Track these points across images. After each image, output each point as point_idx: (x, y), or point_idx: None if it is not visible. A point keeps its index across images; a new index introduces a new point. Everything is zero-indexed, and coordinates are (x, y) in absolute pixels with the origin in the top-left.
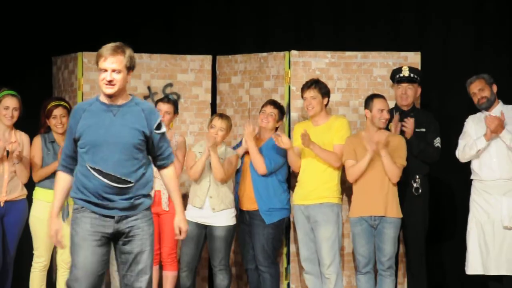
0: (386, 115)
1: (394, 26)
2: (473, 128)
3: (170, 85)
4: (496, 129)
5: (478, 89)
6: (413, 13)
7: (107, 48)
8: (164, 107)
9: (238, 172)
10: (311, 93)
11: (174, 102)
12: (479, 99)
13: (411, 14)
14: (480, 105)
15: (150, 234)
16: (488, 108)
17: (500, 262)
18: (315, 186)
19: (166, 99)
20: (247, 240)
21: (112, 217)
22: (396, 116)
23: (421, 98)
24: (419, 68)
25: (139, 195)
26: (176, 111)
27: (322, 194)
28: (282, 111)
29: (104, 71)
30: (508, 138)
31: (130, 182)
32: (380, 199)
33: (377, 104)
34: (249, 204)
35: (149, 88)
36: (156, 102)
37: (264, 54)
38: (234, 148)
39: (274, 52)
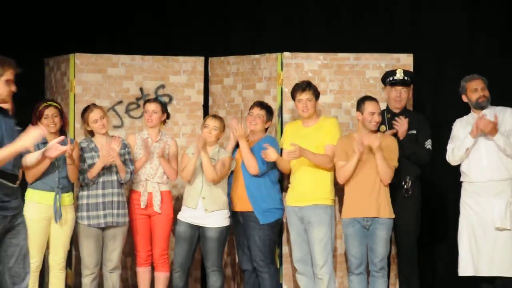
0: (377, 118)
1: (387, 27)
2: (461, 131)
3: (162, 86)
4: (490, 131)
5: (481, 87)
6: (407, 15)
7: None
8: (151, 106)
9: (230, 173)
10: (307, 95)
11: (160, 102)
12: (480, 97)
13: (404, 15)
14: (479, 102)
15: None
16: (484, 107)
17: (492, 263)
18: (309, 187)
19: (152, 99)
20: (243, 242)
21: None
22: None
23: (413, 100)
24: (411, 70)
25: None
26: (164, 111)
27: (316, 196)
28: (270, 111)
29: None
30: (501, 140)
31: None
32: (372, 200)
33: (368, 106)
34: (242, 205)
35: (141, 89)
36: (144, 103)
37: (257, 55)
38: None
39: (267, 54)
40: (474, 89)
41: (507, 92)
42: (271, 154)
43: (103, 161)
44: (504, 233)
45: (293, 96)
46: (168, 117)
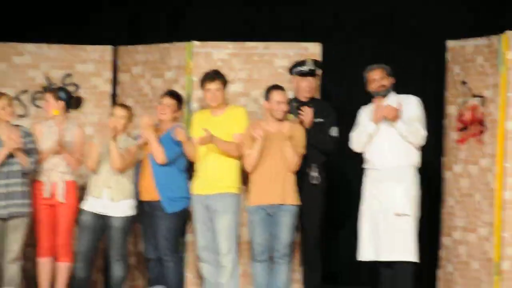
0: (283, 107)
1: (296, 17)
2: (365, 118)
3: (69, 75)
4: (393, 118)
5: (379, 76)
6: (316, 5)
7: None
8: (48, 96)
9: (137, 163)
10: (216, 85)
11: (56, 90)
12: (378, 86)
13: (314, 4)
14: (377, 91)
15: None
16: (383, 96)
17: (391, 248)
18: (216, 176)
19: (49, 88)
20: (149, 230)
21: None
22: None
23: (320, 88)
24: (319, 59)
25: None
26: (64, 99)
27: (223, 184)
28: (180, 101)
29: None
30: (403, 128)
31: None
32: (277, 187)
33: (275, 96)
34: (149, 194)
35: (47, 78)
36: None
37: (166, 44)
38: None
39: (176, 43)
40: (373, 79)
41: (409, 80)
42: (181, 133)
43: (7, 148)
44: (403, 219)
45: (202, 85)
46: (70, 106)
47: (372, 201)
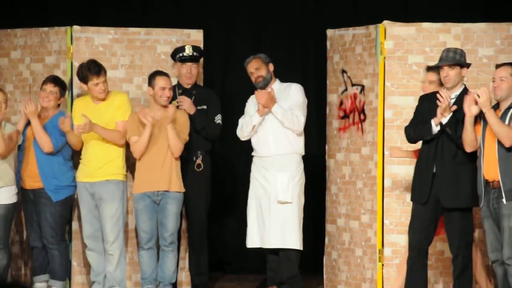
0: (167, 93)
1: (178, 3)
2: (253, 107)
3: None
4: (266, 103)
5: (255, 68)
6: None
7: None
8: None
9: (20, 150)
10: (103, 77)
11: None
12: (256, 78)
13: None
14: (257, 83)
15: None
16: (264, 86)
17: (276, 235)
18: (100, 163)
19: None
20: (32, 219)
21: None
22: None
23: (204, 75)
24: (202, 46)
25: None
26: None
27: (108, 172)
28: (64, 87)
29: None
30: (279, 112)
31: None
32: (163, 174)
33: (159, 81)
34: (33, 182)
35: None
36: None
37: (45, 28)
38: None
39: (56, 27)
40: (250, 72)
41: (293, 69)
42: (66, 123)
43: None
44: (287, 206)
45: (86, 80)
46: None
47: (258, 189)
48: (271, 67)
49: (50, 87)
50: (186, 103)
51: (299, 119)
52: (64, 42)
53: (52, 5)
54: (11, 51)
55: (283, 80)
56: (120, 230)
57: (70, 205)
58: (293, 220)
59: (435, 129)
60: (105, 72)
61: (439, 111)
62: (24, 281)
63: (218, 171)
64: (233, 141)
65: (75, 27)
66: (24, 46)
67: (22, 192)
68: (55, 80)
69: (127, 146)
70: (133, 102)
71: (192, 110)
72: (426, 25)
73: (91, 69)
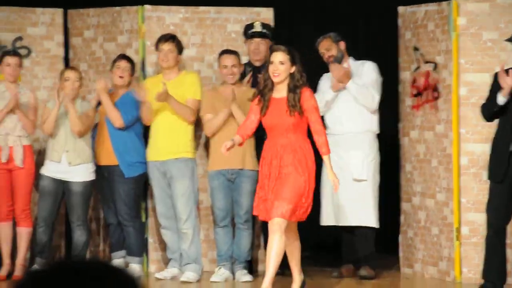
0: (231, 71)
1: None
2: (327, 85)
3: (20, 38)
4: (341, 78)
5: (325, 48)
6: None
7: None
8: (13, 60)
9: (94, 127)
10: (169, 46)
11: (20, 55)
12: (327, 58)
13: None
14: (328, 63)
15: None
16: (335, 65)
17: (351, 213)
18: (169, 141)
19: (11, 52)
20: (108, 196)
21: None
22: (250, 74)
23: None
24: (272, 24)
25: None
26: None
27: (177, 149)
28: (133, 65)
29: None
30: (354, 88)
31: None
32: (237, 152)
33: (222, 60)
34: (107, 159)
35: None
36: (2, 57)
37: (117, 8)
38: None
39: (127, 6)
40: (322, 52)
41: (360, 46)
42: (142, 92)
43: None
44: (363, 184)
45: (156, 46)
46: None
47: (333, 167)
48: (342, 45)
49: (124, 63)
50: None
51: (374, 96)
52: (135, 21)
53: None
54: (84, 30)
55: (354, 57)
56: (192, 208)
57: (143, 182)
58: (369, 198)
59: (501, 100)
60: (175, 44)
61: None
62: (103, 257)
63: None
64: None
65: (147, 6)
66: (97, 25)
67: (96, 169)
68: (127, 57)
69: (196, 123)
70: (204, 81)
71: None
72: (500, 0)
73: (162, 36)
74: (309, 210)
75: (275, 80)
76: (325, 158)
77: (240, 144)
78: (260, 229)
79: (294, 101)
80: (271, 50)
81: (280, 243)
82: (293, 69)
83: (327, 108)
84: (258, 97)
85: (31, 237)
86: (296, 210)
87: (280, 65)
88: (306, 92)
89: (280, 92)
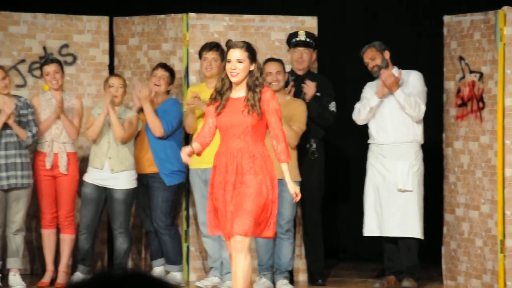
0: (275, 77)
1: None
2: (370, 93)
3: (66, 46)
4: (391, 85)
5: (370, 58)
6: None
7: None
8: (52, 68)
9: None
10: (213, 55)
11: (58, 61)
12: (372, 68)
13: None
14: (373, 73)
15: None
16: (378, 76)
17: (395, 224)
18: (211, 149)
19: (49, 60)
20: (145, 203)
21: None
22: (292, 83)
23: (317, 63)
24: (316, 32)
25: None
26: (63, 71)
27: None
28: (173, 74)
29: None
30: (402, 96)
31: None
32: (277, 162)
33: (266, 67)
34: (147, 167)
35: (44, 48)
36: (41, 67)
37: (162, 16)
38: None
39: (172, 14)
40: (366, 62)
41: (405, 55)
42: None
43: (5, 115)
44: (407, 195)
45: (200, 55)
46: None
47: (377, 177)
48: (387, 54)
49: (160, 72)
50: (312, 90)
51: (420, 107)
52: (180, 29)
53: None
54: (129, 38)
55: (398, 67)
56: None
57: (181, 191)
58: (414, 208)
59: None
60: (219, 53)
61: None
62: (144, 264)
63: (332, 158)
64: (347, 128)
65: (191, 14)
66: (142, 33)
67: (137, 176)
68: (165, 66)
69: None
70: None
71: (309, 98)
72: None
73: (206, 44)
74: (274, 226)
75: (233, 80)
76: (283, 166)
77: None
78: (302, 239)
79: (254, 100)
80: (228, 47)
81: (246, 263)
82: (253, 66)
83: (371, 115)
84: (214, 99)
85: (74, 244)
86: (259, 224)
87: (238, 64)
88: (267, 92)
89: (239, 91)
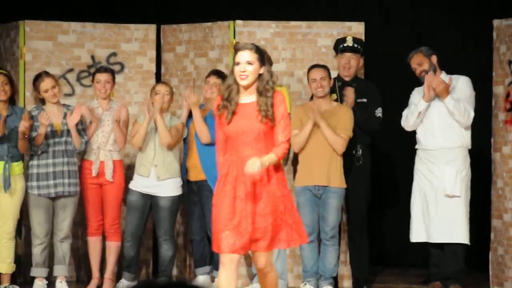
0: (319, 84)
1: None
2: (418, 98)
3: (114, 54)
4: (441, 92)
5: (417, 63)
6: None
7: None
8: (103, 77)
9: (185, 143)
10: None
11: (111, 71)
12: (419, 73)
13: None
14: (421, 78)
15: None
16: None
17: (442, 229)
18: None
19: (102, 69)
20: (194, 211)
21: None
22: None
23: (364, 68)
24: (363, 38)
25: None
26: (114, 79)
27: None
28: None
29: None
30: (451, 103)
31: None
32: (323, 168)
33: (311, 74)
34: (196, 174)
35: (92, 57)
36: (94, 74)
37: (209, 23)
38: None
39: (219, 22)
40: (413, 67)
41: (453, 60)
42: None
43: (43, 126)
44: (455, 200)
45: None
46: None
47: (424, 182)
48: (434, 59)
49: (213, 79)
50: (351, 95)
51: (469, 113)
52: (227, 36)
53: (215, 0)
54: (176, 46)
55: (446, 71)
56: None
57: None
58: (461, 214)
59: None
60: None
61: None
62: (189, 272)
63: (378, 164)
64: (394, 134)
65: (238, 22)
66: (189, 41)
67: (187, 184)
68: (217, 73)
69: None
70: (293, 96)
71: (352, 103)
72: None
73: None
74: (295, 234)
75: (242, 83)
76: (271, 155)
77: None
78: (346, 245)
79: (267, 105)
80: (236, 50)
81: (272, 275)
82: (262, 70)
83: (420, 120)
84: (223, 107)
85: (119, 252)
86: (275, 237)
87: (248, 66)
88: (278, 96)
89: (248, 96)
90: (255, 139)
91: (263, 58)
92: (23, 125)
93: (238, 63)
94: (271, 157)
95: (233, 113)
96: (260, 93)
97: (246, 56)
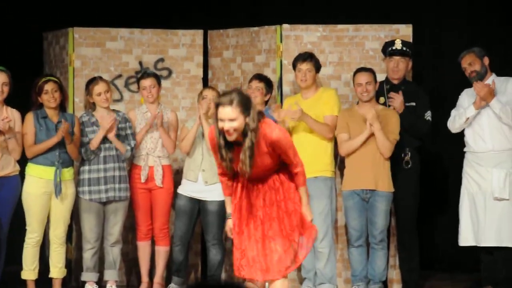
0: (365, 88)
1: None
2: (467, 100)
3: (162, 60)
4: (485, 96)
5: (468, 63)
6: None
7: None
8: (147, 82)
9: None
10: (308, 65)
11: (155, 75)
12: (470, 73)
13: None
14: (471, 78)
15: None
16: (479, 81)
17: (491, 233)
18: (309, 160)
19: (146, 74)
20: None
21: None
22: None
23: (413, 71)
24: (411, 40)
25: None
26: (160, 83)
27: (316, 168)
28: (269, 84)
29: None
30: (497, 107)
31: None
32: (371, 172)
33: (356, 78)
34: None
35: (140, 63)
36: (138, 80)
37: (256, 28)
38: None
39: (266, 26)
40: (464, 67)
41: (508, 60)
42: (282, 113)
43: (103, 130)
44: (504, 203)
45: (294, 66)
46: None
47: (472, 185)
48: (486, 60)
49: (255, 83)
50: (398, 100)
51: None
52: (273, 40)
53: (262, 5)
54: (223, 50)
55: (498, 74)
56: (328, 227)
57: None
58: (510, 217)
59: None
60: (313, 63)
61: None
62: (237, 279)
63: (427, 167)
64: (443, 137)
65: (285, 26)
66: (236, 45)
67: None
68: (260, 77)
69: (335, 142)
70: (341, 99)
71: (401, 108)
72: None
73: (300, 55)
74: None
75: (229, 139)
76: (301, 190)
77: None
78: (396, 249)
79: (251, 142)
80: (216, 105)
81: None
82: (247, 119)
83: (466, 125)
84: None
85: (169, 256)
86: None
87: (231, 123)
88: (273, 132)
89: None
90: (262, 172)
91: (247, 106)
92: (63, 130)
93: (221, 119)
94: (303, 195)
95: (233, 156)
96: (245, 135)
97: (227, 113)
